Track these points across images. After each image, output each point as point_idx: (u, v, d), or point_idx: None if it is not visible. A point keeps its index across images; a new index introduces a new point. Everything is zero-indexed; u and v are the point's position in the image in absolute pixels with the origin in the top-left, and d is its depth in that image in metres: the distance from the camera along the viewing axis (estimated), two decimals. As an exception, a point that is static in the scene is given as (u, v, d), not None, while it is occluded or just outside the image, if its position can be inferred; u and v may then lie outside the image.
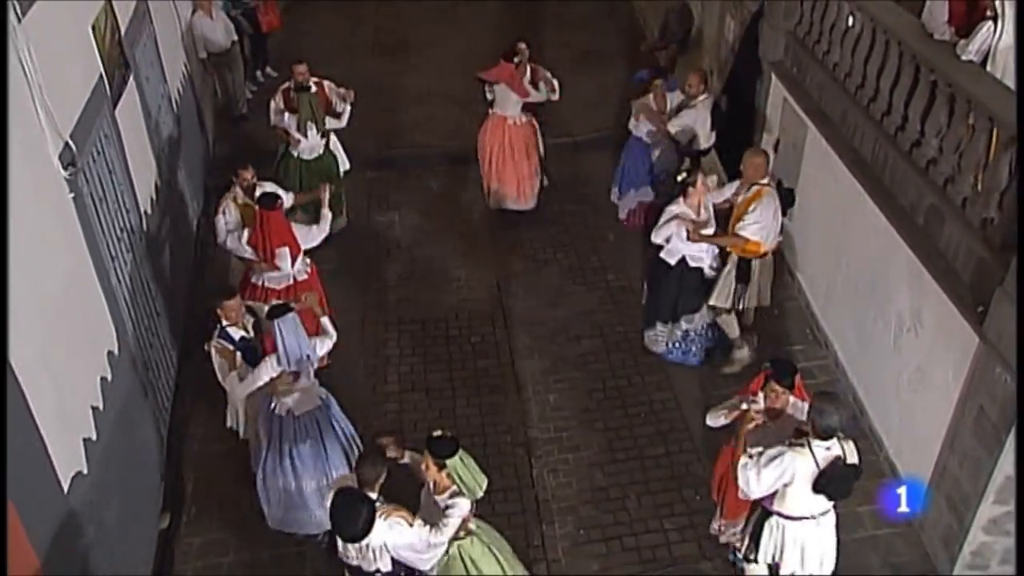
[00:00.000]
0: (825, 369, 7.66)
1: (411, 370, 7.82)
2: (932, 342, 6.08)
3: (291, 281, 7.14)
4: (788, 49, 8.58)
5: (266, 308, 6.03)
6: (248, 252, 6.97)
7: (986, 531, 5.64)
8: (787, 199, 7.49)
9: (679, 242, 7.19)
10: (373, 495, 4.77)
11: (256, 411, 6.18)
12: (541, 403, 7.47)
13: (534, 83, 9.02)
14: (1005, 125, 5.36)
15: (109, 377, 5.72)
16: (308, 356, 5.71)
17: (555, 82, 9.15)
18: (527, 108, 9.19)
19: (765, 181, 7.02)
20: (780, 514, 5.19)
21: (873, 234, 6.77)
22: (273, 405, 5.93)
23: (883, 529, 6.31)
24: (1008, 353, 5.14)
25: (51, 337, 4.92)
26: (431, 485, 5.01)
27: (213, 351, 5.96)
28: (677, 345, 7.72)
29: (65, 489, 4.83)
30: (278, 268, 6.98)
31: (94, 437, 5.30)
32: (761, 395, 5.32)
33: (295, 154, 8.75)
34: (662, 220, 7.17)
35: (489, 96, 9.17)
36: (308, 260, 7.36)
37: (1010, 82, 5.98)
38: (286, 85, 8.72)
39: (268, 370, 5.68)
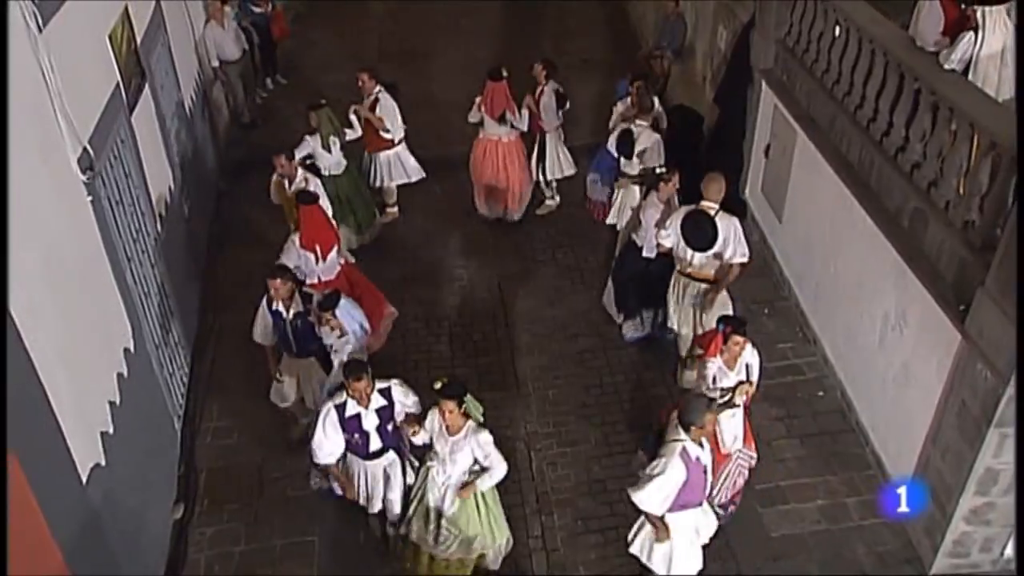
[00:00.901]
0: (813, 366, 7.67)
1: (414, 367, 7.80)
2: (916, 340, 6.10)
3: (316, 280, 7.08)
4: (778, 58, 8.59)
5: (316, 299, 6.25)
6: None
7: (967, 521, 5.66)
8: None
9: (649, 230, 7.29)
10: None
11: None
12: (540, 399, 7.49)
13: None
14: (985, 132, 5.39)
15: (125, 373, 5.75)
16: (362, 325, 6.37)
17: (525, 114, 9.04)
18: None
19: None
20: None
21: (860, 236, 6.78)
22: None
23: (869, 519, 6.34)
24: (989, 350, 5.17)
25: (70, 335, 4.95)
26: (445, 429, 5.34)
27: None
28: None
29: (84, 480, 4.86)
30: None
31: (111, 431, 5.32)
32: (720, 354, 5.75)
33: (324, 171, 8.43)
34: (648, 233, 7.28)
35: (475, 119, 9.16)
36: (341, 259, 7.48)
37: (991, 90, 6.02)
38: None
39: (347, 349, 6.16)
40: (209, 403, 7.40)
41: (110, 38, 6.67)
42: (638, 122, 8.31)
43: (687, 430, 4.97)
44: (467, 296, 8.71)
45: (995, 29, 5.93)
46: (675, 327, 7.32)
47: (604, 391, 7.55)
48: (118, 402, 5.52)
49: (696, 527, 5.39)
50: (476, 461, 5.41)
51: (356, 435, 5.53)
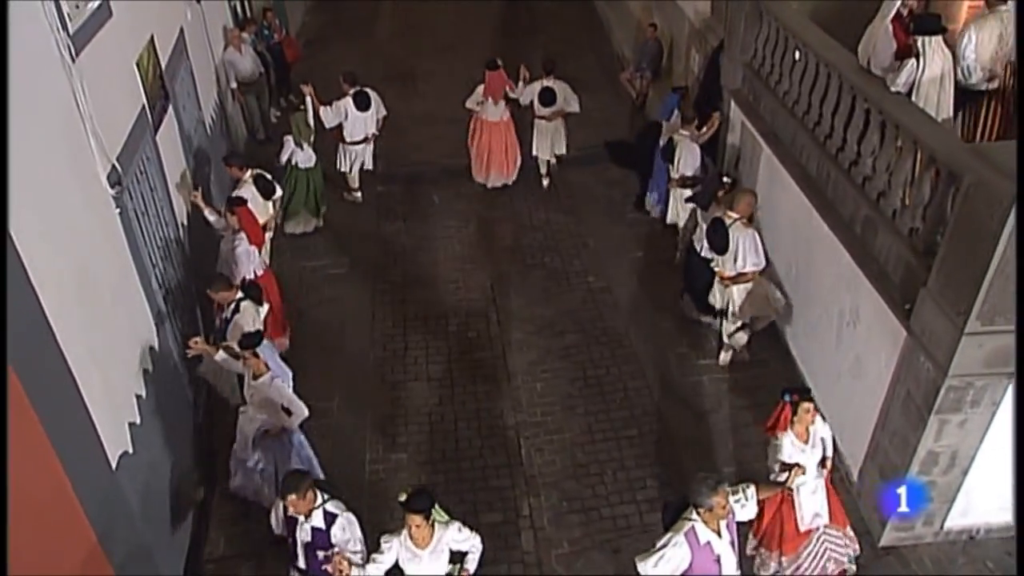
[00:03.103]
0: (778, 358, 7.73)
1: (414, 362, 7.88)
2: (868, 335, 6.18)
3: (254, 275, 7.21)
4: (745, 79, 8.68)
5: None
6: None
7: (912, 498, 5.76)
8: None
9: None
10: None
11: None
12: (529, 390, 7.53)
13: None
14: (927, 148, 5.49)
15: (151, 368, 5.81)
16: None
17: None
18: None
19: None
20: None
21: (818, 241, 6.85)
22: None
23: (826, 498, 6.41)
24: (930, 344, 5.26)
25: (99, 335, 5.00)
26: (413, 545, 4.66)
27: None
28: None
29: (113, 466, 4.92)
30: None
31: (138, 421, 5.38)
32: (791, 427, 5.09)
33: (295, 164, 9.20)
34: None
35: (474, 106, 10.05)
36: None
37: (932, 111, 6.12)
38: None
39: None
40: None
41: (137, 64, 6.74)
42: (682, 132, 8.61)
43: (697, 511, 4.46)
44: (462, 297, 8.77)
45: (934, 56, 6.02)
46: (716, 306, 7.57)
47: (587, 384, 7.60)
48: (144, 395, 5.57)
49: None
50: (452, 554, 4.79)
51: (290, 539, 4.97)
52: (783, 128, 7.72)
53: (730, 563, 4.57)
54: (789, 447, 5.08)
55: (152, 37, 7.28)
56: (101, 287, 5.18)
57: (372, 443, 6.98)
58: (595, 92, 12.45)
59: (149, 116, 6.83)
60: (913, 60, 5.96)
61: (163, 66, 7.56)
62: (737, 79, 8.79)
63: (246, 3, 12.59)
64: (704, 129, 8.69)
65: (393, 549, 4.65)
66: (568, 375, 7.69)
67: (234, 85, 10.99)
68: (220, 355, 5.92)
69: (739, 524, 4.76)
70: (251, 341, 5.66)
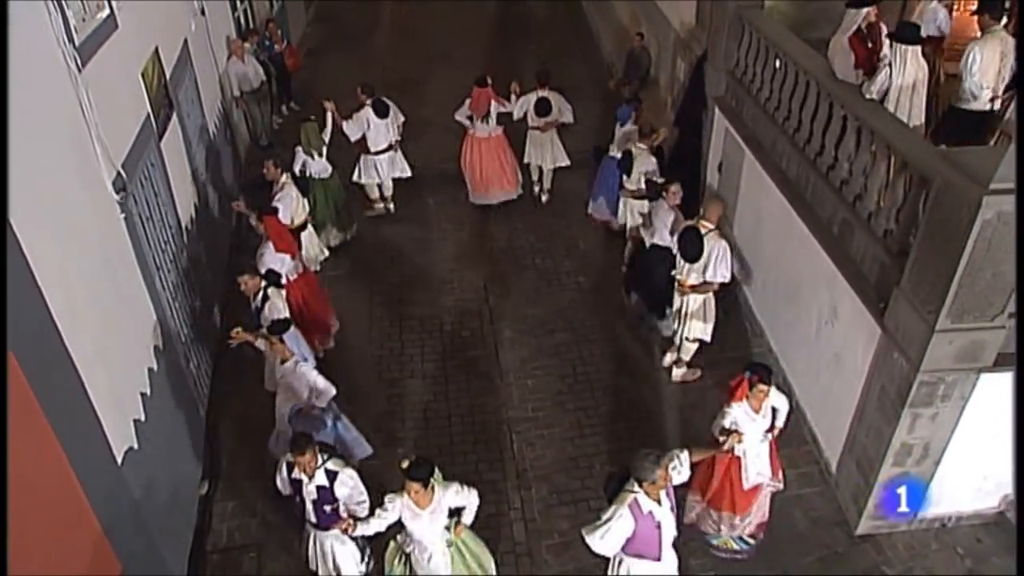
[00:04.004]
0: (761, 356, 7.74)
1: (411, 359, 7.90)
2: (845, 333, 6.21)
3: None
4: (728, 86, 8.72)
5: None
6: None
7: (886, 488, 5.79)
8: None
9: (664, 229, 7.41)
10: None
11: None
12: (521, 387, 7.56)
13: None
14: (899, 153, 5.53)
15: (156, 367, 5.83)
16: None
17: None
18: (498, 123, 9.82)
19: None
20: None
21: (798, 242, 6.88)
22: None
23: (805, 489, 6.45)
24: (904, 342, 5.31)
25: (105, 335, 5.03)
26: (415, 506, 4.91)
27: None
28: None
29: (119, 462, 4.95)
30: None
31: (143, 418, 5.40)
32: (746, 399, 5.28)
33: (309, 174, 8.91)
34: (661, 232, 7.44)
35: (464, 120, 9.79)
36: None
37: (904, 117, 6.15)
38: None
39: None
40: (231, 393, 7.47)
41: (142, 75, 6.76)
42: (639, 145, 8.50)
43: (640, 484, 4.57)
44: (457, 297, 8.78)
45: (908, 65, 6.06)
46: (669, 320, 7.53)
47: (577, 380, 7.62)
48: (149, 393, 5.59)
49: None
50: (451, 510, 5.04)
51: (297, 498, 5.16)
52: (764, 134, 7.77)
53: (670, 527, 4.77)
54: (741, 416, 5.31)
55: (157, 48, 7.31)
56: (106, 289, 5.20)
57: (371, 438, 6.97)
58: (584, 99, 12.45)
59: (154, 124, 6.85)
60: (886, 69, 5.99)
61: (167, 75, 7.58)
62: (721, 87, 8.83)
63: (249, 14, 12.61)
64: (653, 137, 8.51)
65: (396, 507, 4.91)
66: (558, 372, 7.71)
67: (237, 93, 11.00)
68: (260, 343, 6.18)
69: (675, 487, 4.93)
70: (279, 328, 5.94)
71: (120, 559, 4.80)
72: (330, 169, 9.09)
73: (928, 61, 6.47)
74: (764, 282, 7.90)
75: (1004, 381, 5.23)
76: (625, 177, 8.59)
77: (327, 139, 9.06)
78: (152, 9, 7.41)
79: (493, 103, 9.60)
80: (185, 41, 8.73)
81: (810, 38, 7.82)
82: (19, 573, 3.61)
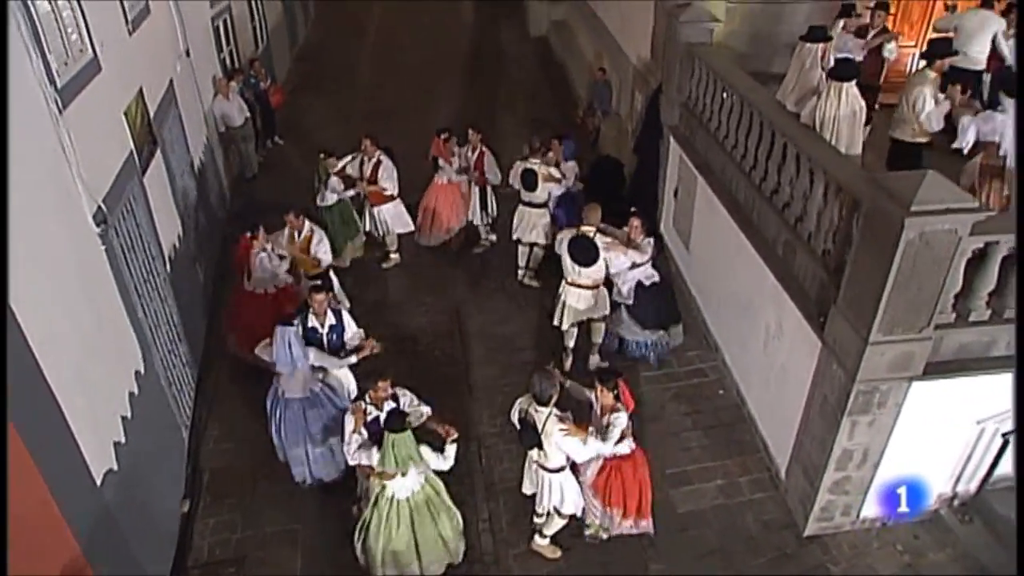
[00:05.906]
0: (716, 369, 7.83)
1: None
2: (790, 346, 6.28)
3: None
4: (682, 117, 8.84)
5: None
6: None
7: (830, 491, 5.84)
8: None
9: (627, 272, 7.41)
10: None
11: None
12: (490, 403, 7.51)
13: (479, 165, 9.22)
14: (834, 179, 5.63)
15: (136, 391, 5.76)
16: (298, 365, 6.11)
17: (496, 171, 9.24)
18: (462, 173, 9.39)
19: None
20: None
21: (746, 261, 6.97)
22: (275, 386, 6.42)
23: (757, 494, 6.49)
24: (841, 354, 5.37)
25: (85, 361, 4.98)
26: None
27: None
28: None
29: (98, 483, 4.88)
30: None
31: (123, 440, 5.34)
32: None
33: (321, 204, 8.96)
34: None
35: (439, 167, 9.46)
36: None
37: (843, 146, 6.27)
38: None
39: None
40: (212, 415, 7.42)
41: (125, 114, 6.73)
42: (534, 161, 8.52)
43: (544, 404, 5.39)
44: (430, 319, 8.77)
45: (842, 98, 6.20)
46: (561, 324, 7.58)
47: (544, 395, 7.60)
48: (129, 416, 5.53)
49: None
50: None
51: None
52: (715, 160, 7.87)
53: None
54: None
55: (141, 88, 7.29)
56: (86, 316, 5.16)
57: (346, 454, 6.95)
58: (553, 128, 12.57)
59: (136, 160, 6.81)
60: (815, 99, 6.12)
61: (151, 114, 7.55)
62: (675, 117, 8.96)
63: (235, 55, 12.65)
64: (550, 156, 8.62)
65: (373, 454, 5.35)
66: (526, 388, 7.63)
67: (223, 129, 11.01)
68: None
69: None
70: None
71: (99, 577, 4.72)
72: (336, 196, 9.03)
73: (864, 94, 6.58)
74: (719, 300, 7.96)
75: (934, 388, 5.32)
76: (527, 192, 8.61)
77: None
78: (137, 52, 7.42)
79: (440, 156, 9.26)
80: (171, 81, 8.73)
81: (756, 71, 8.00)
82: (-7, 593, 3.55)
